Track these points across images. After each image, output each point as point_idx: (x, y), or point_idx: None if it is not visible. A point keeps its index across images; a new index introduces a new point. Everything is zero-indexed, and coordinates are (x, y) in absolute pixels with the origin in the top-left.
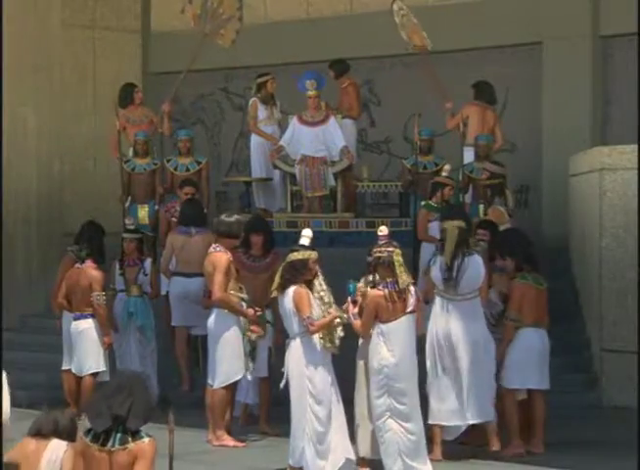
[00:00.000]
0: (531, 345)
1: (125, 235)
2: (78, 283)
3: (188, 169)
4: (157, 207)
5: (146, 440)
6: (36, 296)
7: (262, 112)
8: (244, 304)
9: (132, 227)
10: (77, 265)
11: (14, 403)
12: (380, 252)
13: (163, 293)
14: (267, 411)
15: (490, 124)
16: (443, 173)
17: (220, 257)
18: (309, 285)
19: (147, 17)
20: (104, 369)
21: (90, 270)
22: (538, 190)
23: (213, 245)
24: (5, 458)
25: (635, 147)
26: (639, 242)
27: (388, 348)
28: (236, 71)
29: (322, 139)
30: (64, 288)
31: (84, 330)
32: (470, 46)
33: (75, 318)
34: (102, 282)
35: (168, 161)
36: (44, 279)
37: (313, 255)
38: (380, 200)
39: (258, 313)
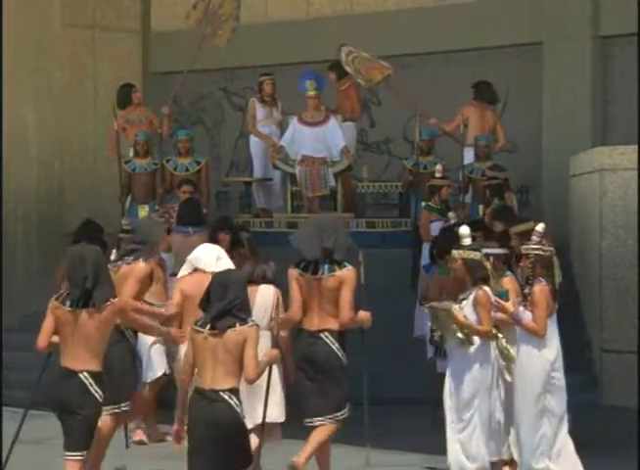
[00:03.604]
0: None
1: (122, 235)
2: None
3: (187, 169)
4: (157, 207)
5: (350, 267)
6: (36, 295)
7: (261, 111)
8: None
9: (129, 228)
10: None
11: (14, 403)
12: (544, 250)
13: None
14: None
15: (491, 124)
16: (437, 174)
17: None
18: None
19: (147, 17)
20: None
21: None
22: (538, 190)
23: None
24: None
25: (635, 147)
26: (639, 242)
27: (551, 343)
28: (236, 72)
29: (322, 139)
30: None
31: None
32: (470, 46)
33: None
34: None
35: (168, 161)
36: (44, 278)
37: (475, 255)
38: (380, 200)
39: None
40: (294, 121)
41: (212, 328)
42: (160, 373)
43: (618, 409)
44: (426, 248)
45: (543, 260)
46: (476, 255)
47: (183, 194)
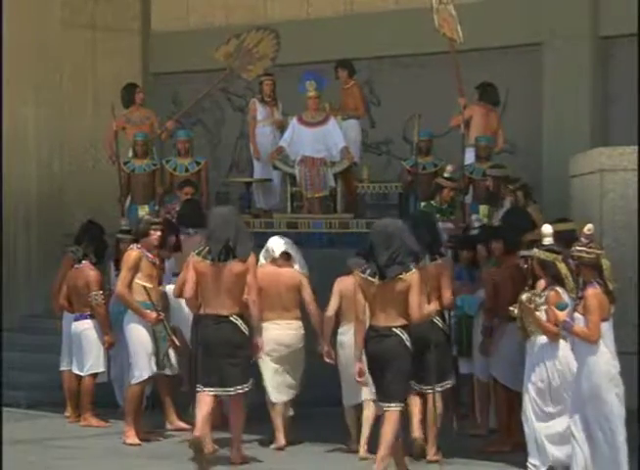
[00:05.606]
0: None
1: (120, 236)
2: (76, 283)
3: (187, 170)
4: (157, 207)
5: (446, 257)
6: (36, 296)
7: (262, 112)
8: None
9: (127, 228)
10: (76, 266)
11: (13, 404)
12: (587, 252)
13: None
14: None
15: (493, 126)
16: (445, 174)
17: (129, 254)
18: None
19: (147, 17)
20: (103, 370)
21: (86, 270)
22: (539, 191)
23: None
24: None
25: (635, 148)
26: (639, 242)
27: (610, 349)
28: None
29: (322, 140)
30: (65, 289)
31: (84, 331)
32: (470, 47)
33: (75, 319)
34: (99, 282)
35: (168, 161)
36: (44, 279)
37: (548, 256)
38: (380, 200)
39: (160, 318)
40: (293, 122)
41: (382, 277)
42: (145, 375)
43: None
44: None
45: (589, 263)
46: (549, 256)
47: (185, 195)
